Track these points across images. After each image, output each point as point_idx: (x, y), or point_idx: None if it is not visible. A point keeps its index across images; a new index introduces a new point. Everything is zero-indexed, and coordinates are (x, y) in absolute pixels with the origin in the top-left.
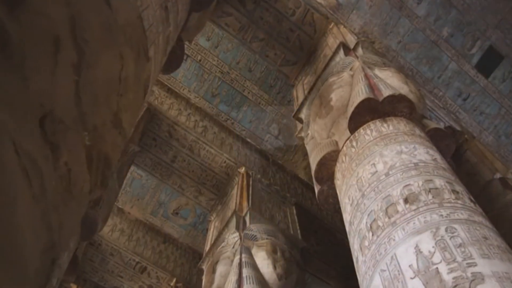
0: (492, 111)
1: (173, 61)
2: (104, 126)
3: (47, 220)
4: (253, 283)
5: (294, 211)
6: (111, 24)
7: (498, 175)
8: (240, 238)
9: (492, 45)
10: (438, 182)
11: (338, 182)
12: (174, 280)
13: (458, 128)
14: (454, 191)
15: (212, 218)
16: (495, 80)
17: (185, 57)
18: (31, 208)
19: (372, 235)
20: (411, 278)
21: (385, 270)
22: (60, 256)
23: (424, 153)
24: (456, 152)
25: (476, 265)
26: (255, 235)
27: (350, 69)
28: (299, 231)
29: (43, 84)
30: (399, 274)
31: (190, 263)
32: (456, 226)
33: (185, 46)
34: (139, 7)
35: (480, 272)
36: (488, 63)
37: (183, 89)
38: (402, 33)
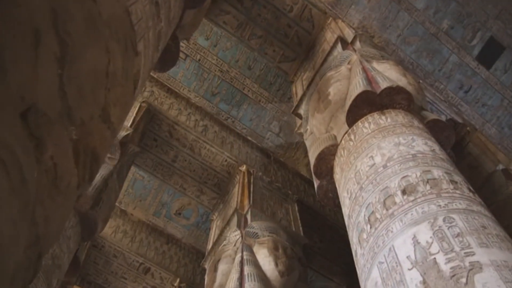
0: (494, 103)
1: (168, 58)
2: (92, 120)
3: (29, 214)
4: (254, 280)
5: (296, 208)
6: (95, 17)
7: (500, 167)
8: (242, 236)
9: (493, 36)
10: (436, 173)
11: (337, 176)
12: (178, 280)
13: (460, 120)
14: (452, 181)
15: (214, 217)
16: (497, 72)
17: (184, 56)
18: (10, 200)
19: (370, 227)
20: (409, 269)
21: (383, 262)
22: (48, 251)
23: (422, 144)
24: (458, 144)
25: (474, 254)
26: (257, 233)
27: (348, 63)
28: (301, 228)
29: (24, 77)
30: (397, 265)
31: (194, 263)
32: (454, 216)
33: (184, 45)
34: (126, 1)
35: (478, 261)
36: (489, 54)
37: (183, 89)
38: (401, 26)
